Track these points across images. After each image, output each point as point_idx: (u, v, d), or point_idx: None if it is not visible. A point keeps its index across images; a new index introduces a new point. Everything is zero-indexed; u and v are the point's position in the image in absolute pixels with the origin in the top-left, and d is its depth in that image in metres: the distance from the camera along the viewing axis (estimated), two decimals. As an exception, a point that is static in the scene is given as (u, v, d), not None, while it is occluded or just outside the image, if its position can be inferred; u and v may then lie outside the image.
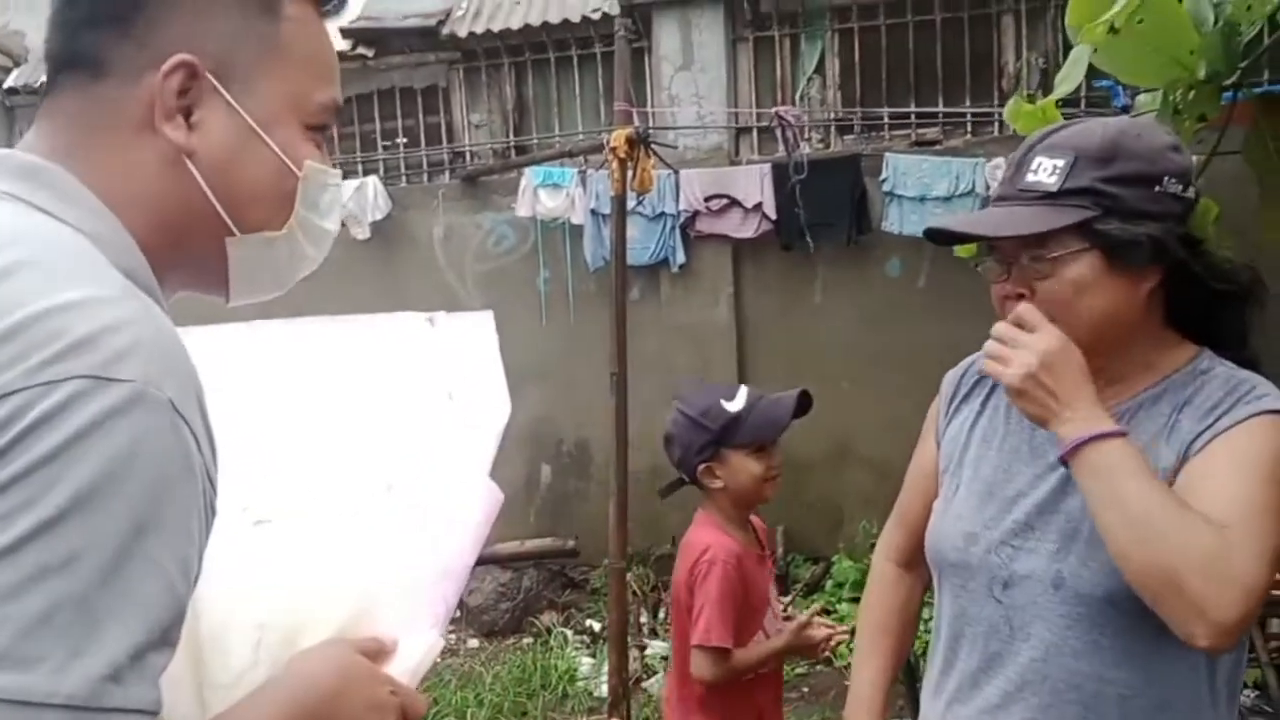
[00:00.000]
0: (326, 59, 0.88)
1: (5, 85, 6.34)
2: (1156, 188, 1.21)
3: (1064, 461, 1.18)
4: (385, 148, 6.02)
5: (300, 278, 0.96)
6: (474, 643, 4.94)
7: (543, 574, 5.19)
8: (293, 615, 0.96)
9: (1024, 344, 1.19)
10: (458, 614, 5.24)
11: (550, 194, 5.47)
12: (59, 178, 0.76)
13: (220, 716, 0.82)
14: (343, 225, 5.72)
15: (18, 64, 6.42)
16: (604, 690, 4.14)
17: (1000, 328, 1.22)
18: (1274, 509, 1.15)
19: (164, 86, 0.77)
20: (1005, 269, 1.25)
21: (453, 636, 5.07)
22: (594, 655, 4.51)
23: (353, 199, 5.67)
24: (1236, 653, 1.26)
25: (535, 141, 5.85)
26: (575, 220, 5.47)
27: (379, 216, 5.69)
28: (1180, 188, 1.22)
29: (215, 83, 0.79)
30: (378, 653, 0.94)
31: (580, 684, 4.27)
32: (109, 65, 0.78)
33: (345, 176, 5.95)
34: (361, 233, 5.70)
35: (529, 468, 5.69)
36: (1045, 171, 1.23)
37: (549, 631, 4.74)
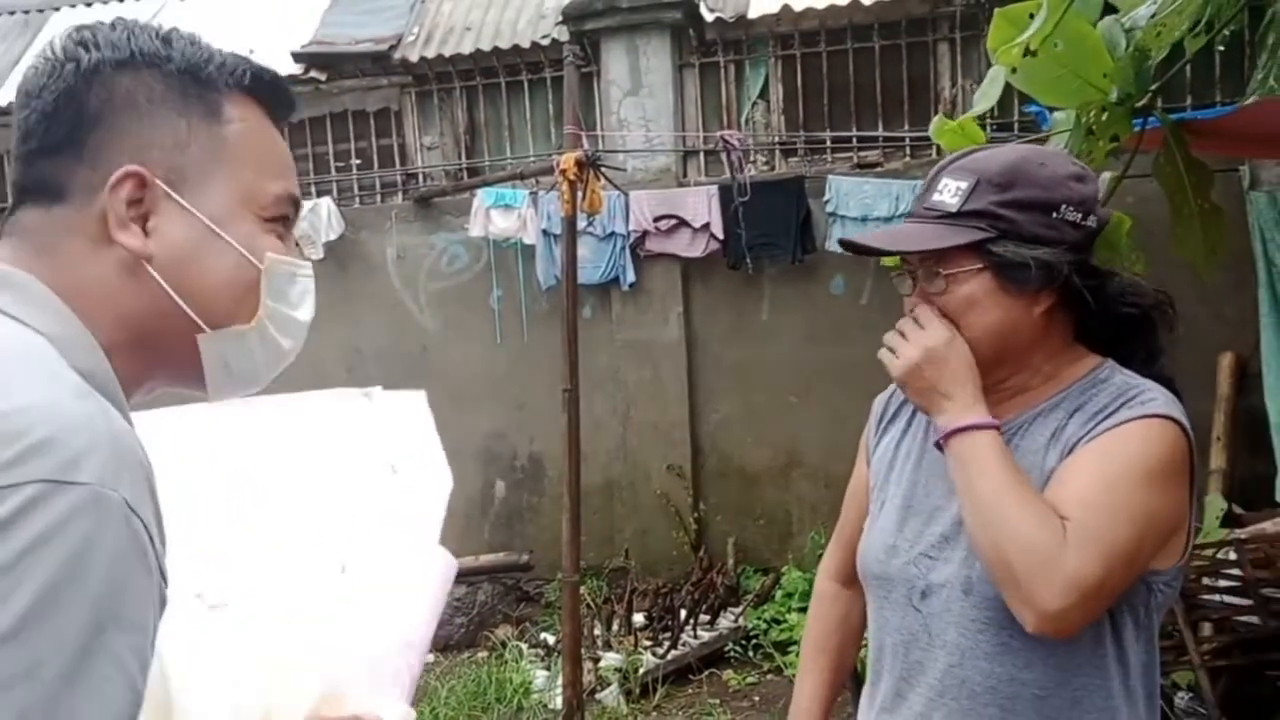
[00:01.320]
0: (277, 155, 0.91)
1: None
2: (1053, 214, 1.25)
3: (939, 447, 1.27)
4: (339, 169, 6.09)
5: (278, 371, 0.98)
6: (429, 657, 4.99)
7: (497, 588, 5.26)
8: (263, 698, 0.98)
9: (913, 338, 1.29)
10: (413, 630, 5.30)
11: (502, 214, 5.57)
12: (22, 281, 0.78)
13: None
14: (296, 244, 5.79)
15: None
16: (559, 703, 4.22)
17: (900, 323, 1.32)
18: (1127, 508, 1.20)
19: (113, 198, 0.81)
20: (912, 282, 1.33)
21: (408, 652, 5.13)
22: (549, 668, 4.59)
23: (306, 219, 5.73)
24: (1147, 653, 1.30)
25: (487, 164, 5.95)
26: (527, 240, 5.58)
27: (333, 237, 5.75)
28: (1079, 216, 1.27)
29: (166, 188, 0.83)
30: None
31: (535, 697, 4.34)
32: (66, 189, 0.81)
33: (300, 197, 6.03)
34: (315, 253, 5.74)
35: (483, 482, 5.77)
36: (949, 192, 1.28)
37: (504, 645, 4.81)
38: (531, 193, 5.53)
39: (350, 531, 1.12)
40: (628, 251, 5.51)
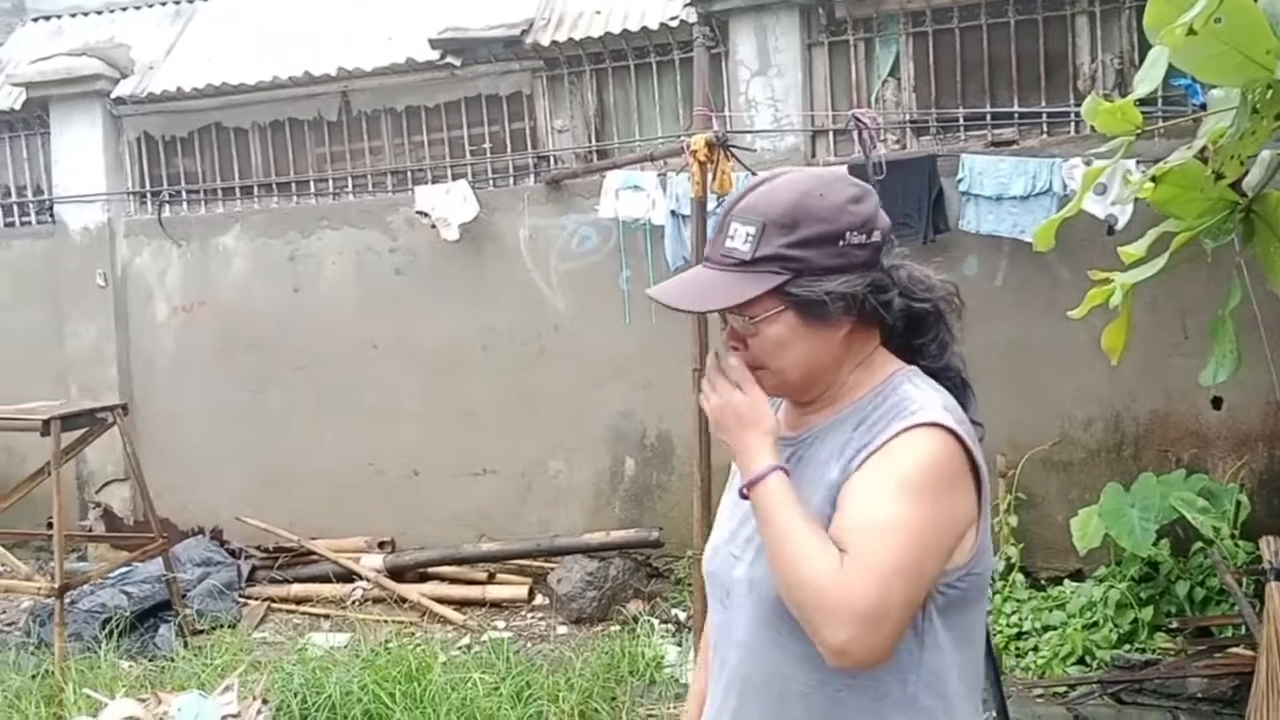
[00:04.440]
0: None
1: (113, 95, 6.69)
2: (840, 243, 1.32)
3: (744, 497, 1.34)
4: (473, 153, 6.25)
5: None
6: (563, 629, 5.15)
7: (628, 563, 5.37)
8: None
9: (715, 392, 1.37)
10: (545, 601, 5.47)
11: (631, 196, 5.64)
12: None
13: None
14: (433, 226, 6.00)
15: (124, 75, 6.77)
16: (690, 678, 4.31)
17: (709, 372, 1.39)
18: (897, 525, 1.22)
19: None
20: (723, 320, 1.40)
21: (543, 622, 5.30)
22: (680, 644, 4.68)
23: (443, 202, 5.92)
24: (936, 657, 1.31)
25: (616, 146, 6.02)
26: (656, 221, 5.63)
27: (468, 219, 5.91)
28: (864, 237, 1.33)
29: None
30: None
31: (667, 671, 4.44)
32: None
33: (434, 180, 6.23)
34: (451, 234, 5.93)
35: (613, 460, 5.88)
36: (740, 238, 1.34)
37: (635, 620, 4.92)
38: (660, 174, 5.58)
39: None
40: (756, 232, 5.51)
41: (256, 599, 5.72)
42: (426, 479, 6.18)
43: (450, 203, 5.94)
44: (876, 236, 1.35)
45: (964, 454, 1.29)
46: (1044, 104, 5.31)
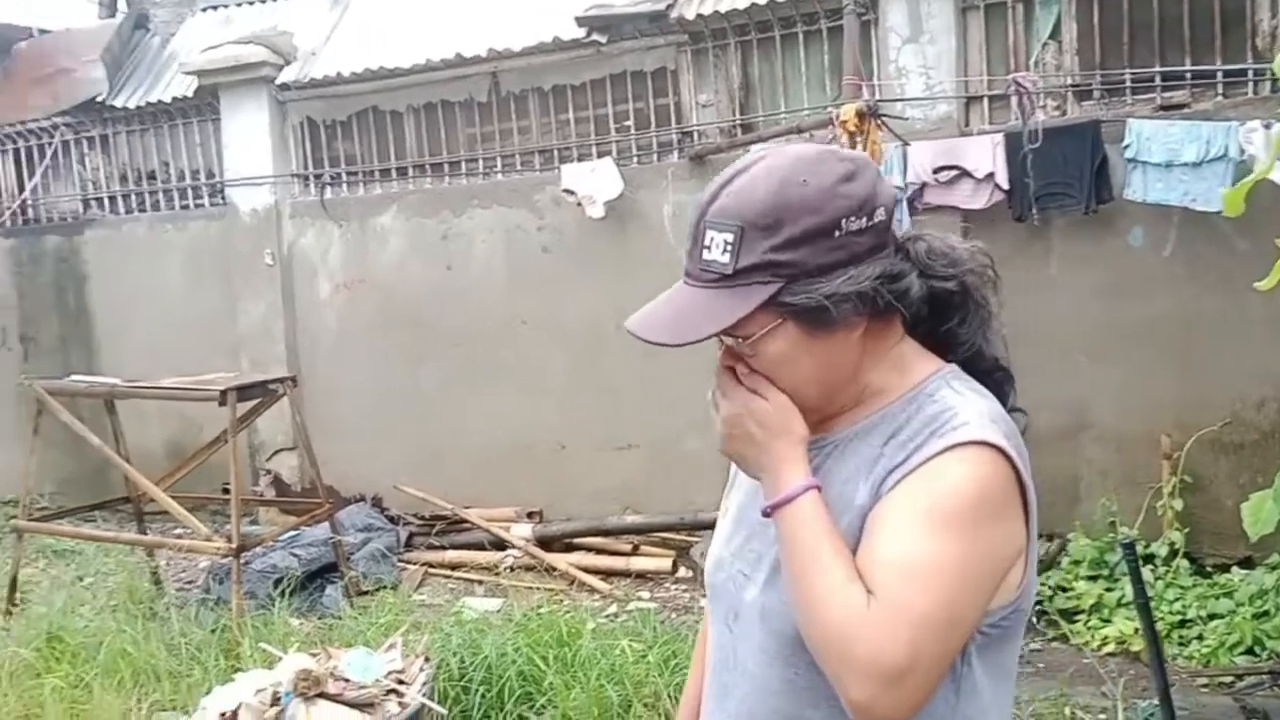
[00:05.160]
0: None
1: (277, 81, 7.02)
2: (836, 234, 1.11)
3: (766, 515, 1.16)
4: (617, 130, 6.30)
5: None
6: (705, 602, 5.18)
7: (770, 539, 5.36)
8: None
9: (729, 399, 1.18)
10: (688, 573, 5.52)
11: (776, 170, 5.59)
12: None
13: None
14: (578, 204, 6.09)
15: (288, 62, 7.09)
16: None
17: (719, 376, 1.20)
18: (935, 566, 1.05)
19: None
20: (719, 339, 1.18)
21: (686, 594, 5.35)
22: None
23: (588, 180, 6.00)
24: (970, 702, 1.14)
25: (761, 119, 5.97)
26: (801, 195, 5.56)
27: (612, 196, 5.98)
28: (864, 221, 1.12)
29: None
30: None
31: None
32: None
33: (580, 159, 6.32)
34: (596, 212, 6.01)
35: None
36: (718, 248, 1.12)
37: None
38: (806, 147, 5.50)
39: None
40: (904, 204, 5.38)
41: (414, 563, 5.98)
42: (572, 452, 6.31)
43: (595, 180, 6.01)
44: (880, 216, 1.13)
45: (1014, 475, 1.10)
46: (1219, 64, 4.99)
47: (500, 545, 5.97)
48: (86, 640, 4.59)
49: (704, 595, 4.69)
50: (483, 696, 3.76)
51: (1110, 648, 4.28)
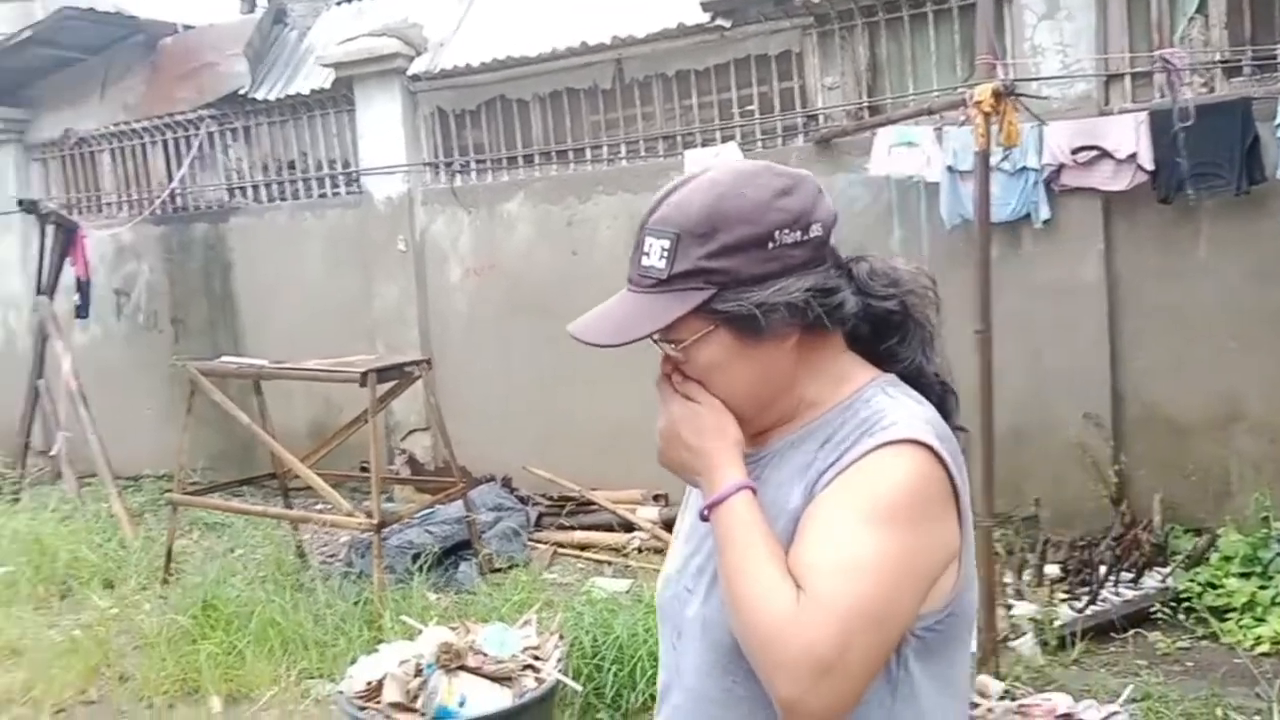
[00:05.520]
0: None
1: (409, 72, 7.22)
2: (770, 245, 1.14)
3: (704, 519, 1.18)
4: (741, 114, 6.28)
5: None
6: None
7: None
8: None
9: (668, 406, 1.21)
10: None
11: (905, 153, 5.49)
12: None
13: None
14: (701, 190, 6.08)
15: (419, 53, 7.28)
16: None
17: (659, 386, 1.24)
18: (863, 561, 1.05)
19: None
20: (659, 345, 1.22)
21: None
22: (958, 610, 4.59)
23: (712, 165, 5.99)
24: (909, 708, 1.14)
25: (889, 101, 5.87)
26: (930, 178, 5.46)
27: (736, 181, 5.96)
28: (798, 235, 1.14)
29: None
30: None
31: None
32: None
33: (703, 143, 6.32)
34: (720, 197, 6.01)
35: (880, 424, 5.80)
36: (655, 254, 1.16)
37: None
38: (936, 129, 5.38)
39: None
40: (1041, 186, 5.22)
41: (544, 543, 6.12)
42: (694, 436, 6.35)
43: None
44: (816, 231, 1.16)
45: (946, 476, 1.11)
46: (1391, 33, 4.68)
47: (626, 527, 6.06)
48: (239, 609, 4.86)
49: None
50: (615, 675, 3.84)
51: (1264, 648, 4.10)
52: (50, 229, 7.65)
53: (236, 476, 6.72)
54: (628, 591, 5.08)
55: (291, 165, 8.04)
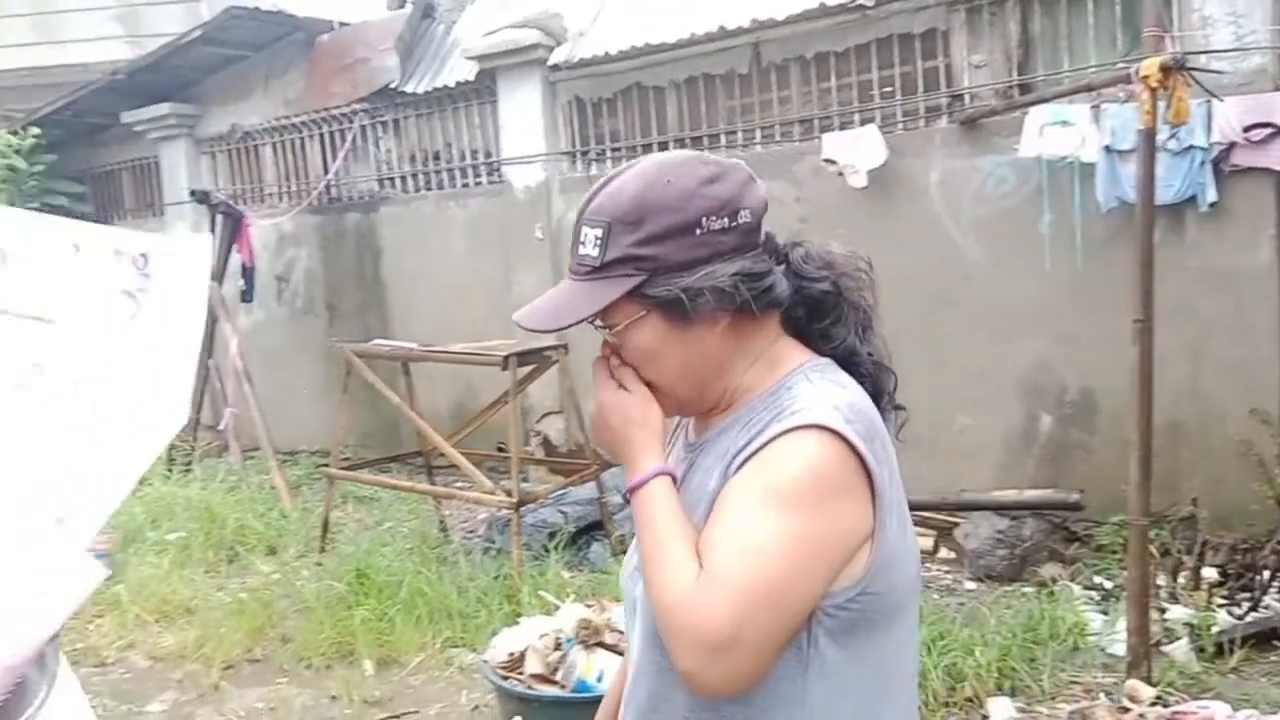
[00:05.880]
0: None
1: (549, 63, 7.34)
2: (697, 231, 1.18)
3: (626, 502, 1.24)
4: (882, 96, 6.15)
5: None
6: (970, 585, 5.05)
7: (1043, 524, 5.12)
8: None
9: (601, 392, 1.28)
10: (951, 555, 5.38)
11: (1058, 132, 5.26)
12: None
13: None
14: (839, 174, 6.01)
15: (559, 43, 7.40)
16: (1118, 649, 4.05)
17: (594, 370, 1.30)
18: (762, 541, 1.09)
19: None
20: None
21: (949, 576, 5.23)
22: (1105, 612, 4.41)
23: (851, 148, 5.90)
24: (828, 685, 1.16)
25: (1041, 79, 5.63)
26: (1085, 159, 5.22)
27: (876, 165, 5.85)
28: (724, 221, 1.19)
29: None
30: None
31: (1091, 639, 4.21)
32: None
33: (842, 127, 6.21)
34: (859, 181, 5.91)
35: (1025, 416, 5.61)
36: (590, 243, 1.22)
37: (1052, 582, 4.70)
38: (1093, 107, 5.14)
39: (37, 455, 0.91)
40: (1209, 167, 4.93)
41: (673, 527, 6.17)
42: (830, 424, 6.27)
43: (858, 149, 5.90)
44: (745, 218, 1.21)
45: (855, 459, 1.13)
46: None
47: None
48: (388, 579, 5.09)
49: (968, 578, 4.58)
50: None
51: None
52: (219, 218, 8.14)
53: (384, 454, 7.01)
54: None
55: (437, 156, 8.31)
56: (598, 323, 1.25)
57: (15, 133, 9.93)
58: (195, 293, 1.05)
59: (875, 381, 1.29)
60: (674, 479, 1.22)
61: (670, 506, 1.19)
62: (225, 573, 6.01)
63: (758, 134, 6.66)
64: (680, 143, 6.93)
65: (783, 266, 1.27)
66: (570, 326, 1.23)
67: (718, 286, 1.19)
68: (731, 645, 1.07)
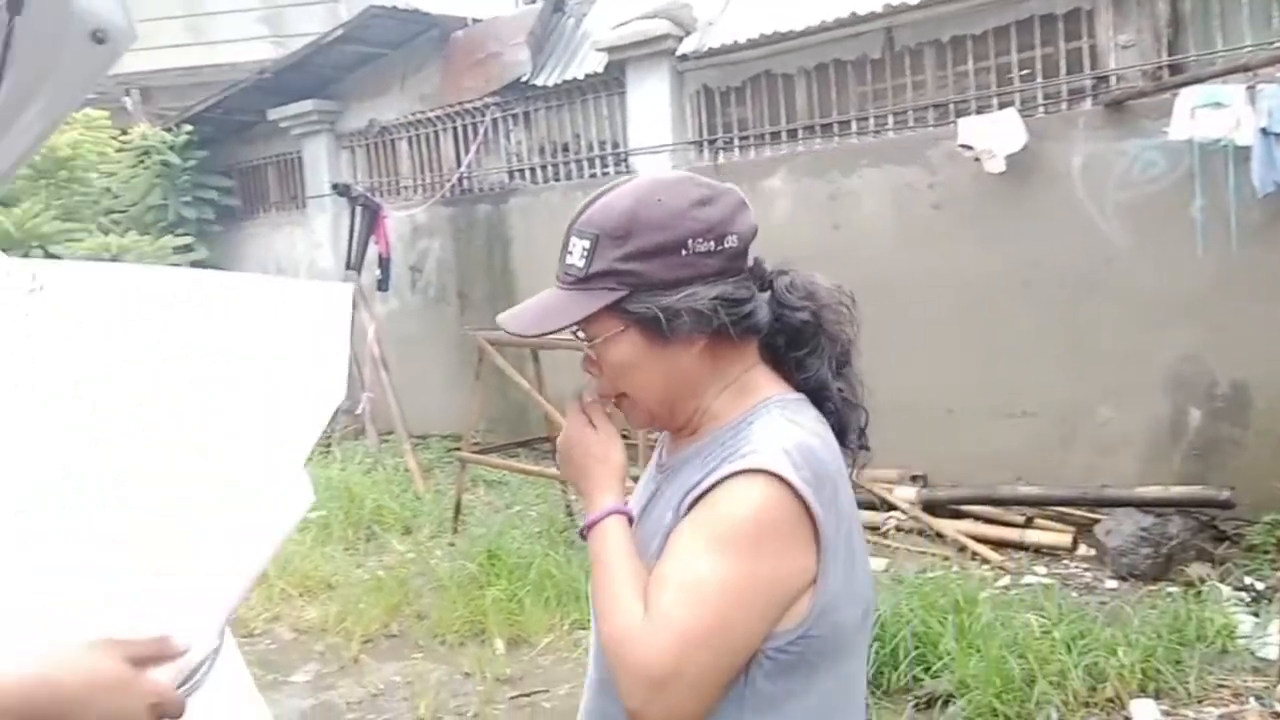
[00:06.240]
0: None
1: (677, 53, 7.37)
2: (683, 252, 1.19)
3: (582, 538, 1.26)
4: (1020, 79, 5.96)
5: None
6: (1111, 583, 4.87)
7: (1189, 523, 4.90)
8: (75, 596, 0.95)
9: (569, 426, 1.32)
10: (1090, 551, 5.21)
11: (1210, 114, 5.00)
12: None
13: None
14: (975, 159, 5.85)
15: (688, 33, 7.41)
16: (1270, 652, 3.87)
17: (568, 407, 1.35)
18: (701, 584, 1.11)
19: None
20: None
21: (1088, 574, 5.06)
22: (1256, 614, 4.20)
23: (988, 133, 5.74)
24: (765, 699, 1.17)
25: (1193, 59, 5.37)
26: (1240, 142, 4.95)
27: (1015, 149, 5.68)
28: (710, 245, 1.20)
29: None
30: (154, 655, 0.94)
31: (1241, 642, 4.01)
32: None
33: (979, 111, 6.05)
34: (996, 166, 5.75)
35: (1172, 409, 5.36)
36: (577, 253, 1.23)
37: (1200, 583, 4.49)
38: (1249, 87, 4.87)
39: (223, 430, 1.07)
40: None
41: (798, 517, 6.13)
42: (960, 417, 6.14)
43: (996, 133, 5.73)
44: (731, 243, 1.21)
45: (798, 504, 1.13)
46: None
47: (879, 506, 5.96)
48: (519, 560, 5.23)
49: (1109, 576, 4.43)
50: (876, 653, 3.82)
51: None
52: (358, 210, 8.47)
53: (511, 438, 7.19)
54: (885, 571, 5.02)
55: (565, 148, 8.45)
56: (579, 333, 1.27)
57: (170, 130, 10.55)
58: (338, 334, 1.28)
59: (842, 418, 1.31)
60: (630, 518, 1.25)
61: (622, 546, 1.21)
62: (363, 550, 6.27)
63: (890, 119, 6.54)
64: (810, 130, 6.87)
65: (767, 294, 1.28)
66: (551, 334, 1.26)
67: (696, 308, 1.20)
68: (671, 682, 1.09)
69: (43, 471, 0.99)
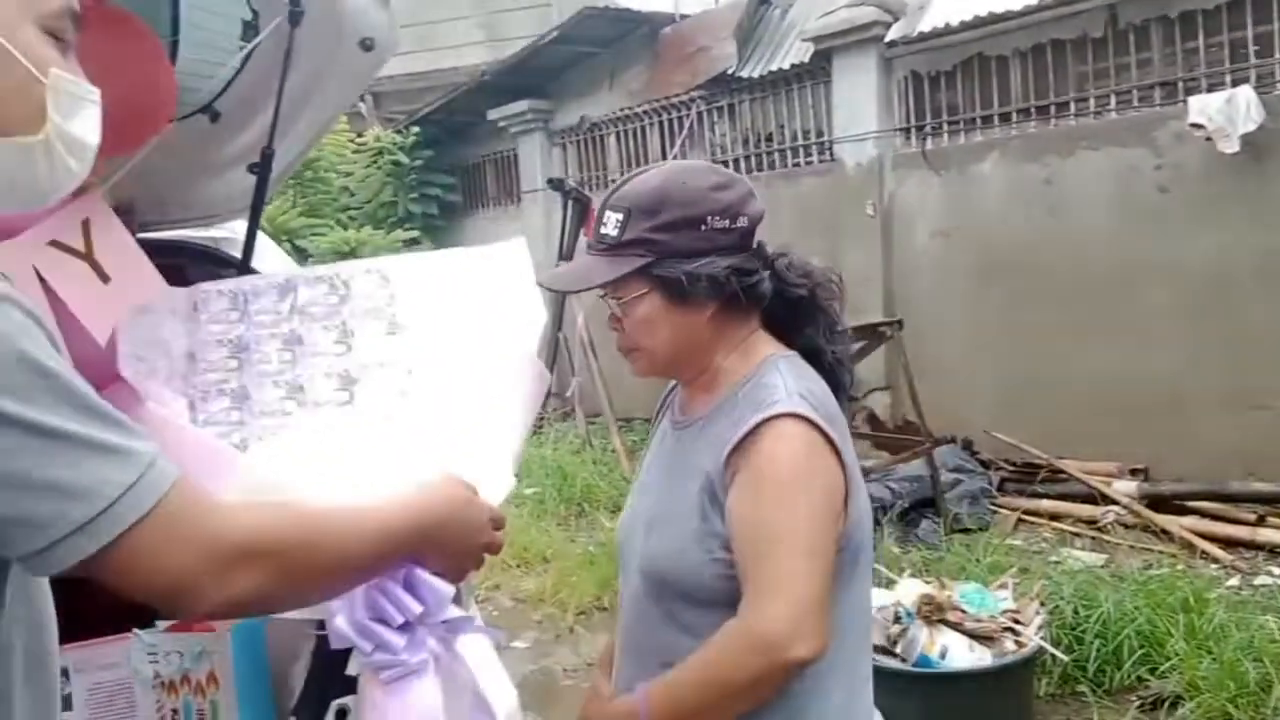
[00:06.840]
0: None
1: (885, 39, 7.31)
2: (702, 227, 1.41)
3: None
4: (1258, 53, 5.59)
5: (65, 192, 0.95)
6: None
7: None
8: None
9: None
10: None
11: None
12: None
13: (356, 507, 1.12)
14: (1208, 139, 5.54)
15: (896, 19, 7.35)
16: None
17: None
18: (786, 529, 1.31)
19: None
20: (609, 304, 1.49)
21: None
22: None
23: (1221, 111, 5.43)
24: None
25: None
26: None
27: (1250, 128, 5.35)
28: (726, 222, 1.42)
29: None
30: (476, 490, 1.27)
31: None
32: None
33: (1211, 88, 5.72)
34: (1230, 146, 5.43)
35: None
36: (611, 225, 1.44)
37: None
38: None
39: (472, 349, 1.57)
40: None
41: (1007, 509, 6.03)
42: (1186, 408, 5.84)
43: (1230, 112, 5.42)
44: (742, 222, 1.43)
45: (820, 439, 1.35)
46: None
47: (1094, 499, 5.77)
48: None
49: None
50: (1097, 650, 3.75)
51: None
52: (570, 204, 8.88)
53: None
54: (1103, 566, 4.88)
55: (769, 138, 8.54)
56: (609, 297, 1.49)
57: (400, 132, 11.38)
58: (525, 282, 1.68)
59: (833, 376, 1.49)
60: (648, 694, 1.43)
61: (671, 684, 1.40)
62: (575, 526, 6.63)
63: (1112, 100, 6.28)
64: (1024, 113, 6.68)
65: (768, 272, 1.48)
66: (587, 290, 1.52)
67: (713, 275, 1.42)
68: (810, 612, 1.30)
69: (401, 395, 1.60)
